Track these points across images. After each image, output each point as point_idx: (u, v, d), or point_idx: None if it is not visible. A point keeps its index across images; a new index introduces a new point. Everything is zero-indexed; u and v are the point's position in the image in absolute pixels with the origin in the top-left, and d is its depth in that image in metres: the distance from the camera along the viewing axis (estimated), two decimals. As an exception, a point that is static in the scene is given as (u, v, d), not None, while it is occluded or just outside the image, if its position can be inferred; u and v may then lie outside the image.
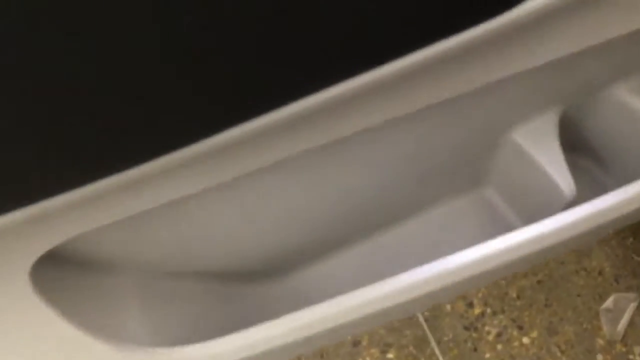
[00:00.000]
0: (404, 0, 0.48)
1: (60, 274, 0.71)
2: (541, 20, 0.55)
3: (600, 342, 1.25)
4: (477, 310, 1.32)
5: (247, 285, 0.90)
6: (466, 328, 1.30)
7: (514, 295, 1.33)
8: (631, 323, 1.26)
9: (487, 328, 1.30)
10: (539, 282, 1.33)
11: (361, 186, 0.82)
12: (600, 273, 1.33)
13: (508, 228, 0.91)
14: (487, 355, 1.26)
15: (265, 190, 0.76)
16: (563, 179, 0.81)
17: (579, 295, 1.31)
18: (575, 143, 0.97)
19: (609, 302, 1.28)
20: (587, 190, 0.97)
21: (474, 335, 1.29)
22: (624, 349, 1.24)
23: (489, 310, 1.32)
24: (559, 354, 1.25)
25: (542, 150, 0.82)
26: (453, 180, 0.92)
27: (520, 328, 1.29)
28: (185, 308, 0.81)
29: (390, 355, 1.29)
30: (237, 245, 0.83)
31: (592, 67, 0.79)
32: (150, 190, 0.59)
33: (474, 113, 0.78)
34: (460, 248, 0.73)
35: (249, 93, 0.50)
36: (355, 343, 1.30)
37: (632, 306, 1.27)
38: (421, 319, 1.32)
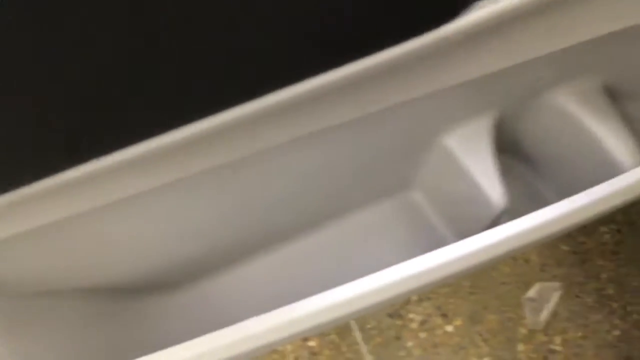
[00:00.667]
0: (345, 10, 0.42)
1: None
2: (484, 32, 0.50)
3: (523, 331, 1.24)
4: (402, 298, 1.28)
5: (139, 300, 0.80)
6: (390, 315, 1.26)
7: (440, 282, 1.29)
8: (554, 313, 1.25)
9: (411, 316, 1.26)
10: (465, 269, 1.30)
11: (274, 195, 0.73)
12: (526, 261, 1.31)
13: (433, 232, 0.85)
14: (410, 344, 1.24)
15: (169, 200, 0.66)
16: (493, 190, 0.74)
17: (503, 283, 1.29)
18: (508, 145, 0.91)
19: (532, 291, 1.26)
20: (520, 194, 0.92)
21: (398, 322, 1.26)
22: (545, 338, 1.23)
23: (414, 298, 1.28)
24: (481, 342, 1.23)
25: (473, 157, 0.75)
26: (378, 184, 0.85)
27: (444, 316, 1.26)
28: (66, 331, 0.70)
29: (311, 344, 1.24)
30: (132, 257, 0.72)
31: (530, 74, 0.71)
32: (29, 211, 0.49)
33: (403, 117, 0.69)
34: (382, 252, 0.67)
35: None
36: (275, 332, 1.24)
37: (556, 295, 1.26)
38: (344, 307, 1.26)
